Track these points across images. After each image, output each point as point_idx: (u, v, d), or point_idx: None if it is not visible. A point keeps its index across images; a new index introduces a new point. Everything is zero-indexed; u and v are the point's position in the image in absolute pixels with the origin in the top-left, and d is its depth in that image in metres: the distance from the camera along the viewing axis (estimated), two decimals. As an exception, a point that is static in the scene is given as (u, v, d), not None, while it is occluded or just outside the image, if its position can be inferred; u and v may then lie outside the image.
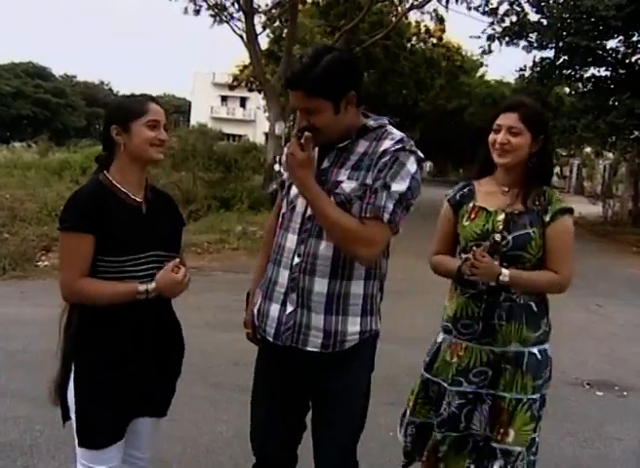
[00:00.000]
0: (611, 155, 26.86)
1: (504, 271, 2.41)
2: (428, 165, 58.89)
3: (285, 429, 2.40)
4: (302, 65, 2.07)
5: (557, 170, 39.79)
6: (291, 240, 2.22)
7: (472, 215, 2.59)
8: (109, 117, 2.28)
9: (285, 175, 2.34)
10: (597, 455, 3.96)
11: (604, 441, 4.15)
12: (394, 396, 4.61)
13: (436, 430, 2.63)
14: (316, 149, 2.16)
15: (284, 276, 2.22)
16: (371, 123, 2.22)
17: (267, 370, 2.39)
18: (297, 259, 2.19)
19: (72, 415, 2.24)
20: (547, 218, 2.48)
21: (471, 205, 2.62)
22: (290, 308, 2.20)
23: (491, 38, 18.87)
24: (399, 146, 2.12)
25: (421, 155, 2.18)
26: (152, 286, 2.18)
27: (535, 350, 2.52)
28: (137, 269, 2.21)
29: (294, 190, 2.24)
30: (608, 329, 7.24)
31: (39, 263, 8.94)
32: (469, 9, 19.90)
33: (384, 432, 4.02)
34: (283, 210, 2.32)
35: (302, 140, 2.09)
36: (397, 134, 2.19)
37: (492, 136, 2.54)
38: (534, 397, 2.50)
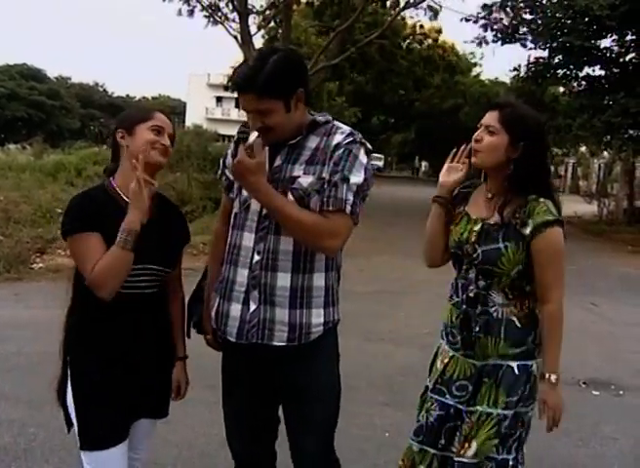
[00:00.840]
0: (606, 154, 26.92)
1: (549, 380, 2.32)
2: (424, 165, 58.94)
3: (259, 426, 2.42)
4: (250, 68, 2.09)
5: (552, 169, 39.76)
6: (248, 238, 2.23)
7: (457, 220, 2.50)
8: (116, 123, 2.31)
9: (232, 177, 2.29)
10: (593, 455, 3.96)
11: (600, 440, 4.15)
12: (389, 396, 4.62)
13: (413, 437, 2.51)
14: (266, 148, 2.16)
15: (243, 275, 2.23)
16: (319, 118, 2.25)
17: (233, 372, 2.39)
18: (257, 257, 2.20)
19: (73, 418, 2.23)
20: (527, 232, 2.31)
21: (461, 208, 2.53)
22: (253, 306, 2.21)
23: (484, 27, 18.86)
24: (350, 139, 2.17)
25: (370, 146, 2.24)
26: (120, 230, 2.11)
27: (514, 364, 2.37)
28: (131, 280, 2.17)
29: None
30: (604, 328, 7.25)
31: (34, 265, 8.91)
32: (461, 20, 19.70)
33: (380, 432, 4.02)
34: (235, 210, 2.31)
35: (247, 146, 2.08)
36: (345, 128, 2.24)
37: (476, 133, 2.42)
38: (505, 413, 2.34)
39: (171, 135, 2.30)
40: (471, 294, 2.40)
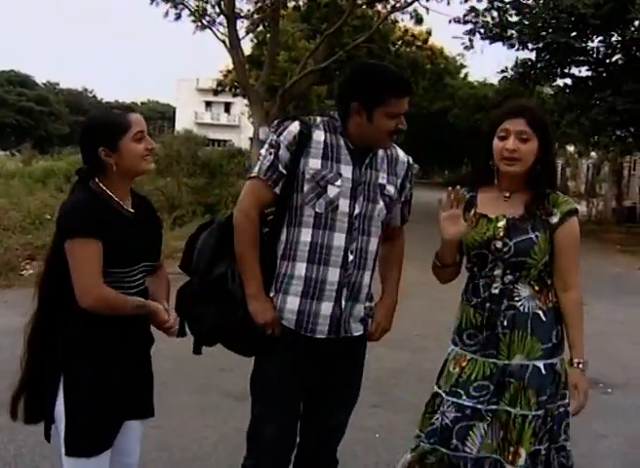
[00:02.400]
0: (594, 154, 27.11)
1: (577, 366, 2.43)
2: (416, 167, 59.18)
3: (296, 425, 2.51)
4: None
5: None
6: (339, 238, 2.34)
7: (473, 223, 2.49)
8: (93, 140, 2.19)
9: (306, 174, 2.30)
10: (583, 453, 3.96)
11: (589, 438, 4.18)
12: (380, 398, 4.63)
13: (424, 440, 2.50)
14: (346, 151, 2.38)
15: (335, 274, 2.35)
16: None
17: (295, 370, 2.39)
18: (351, 257, 2.36)
19: (60, 426, 2.21)
20: (555, 220, 2.40)
21: (472, 212, 2.52)
22: (344, 303, 2.38)
23: (471, 32, 18.95)
24: (409, 158, 2.56)
25: None
26: (139, 303, 2.22)
27: (540, 364, 2.40)
28: (130, 280, 2.22)
29: (333, 190, 2.31)
30: (593, 327, 7.23)
31: (23, 272, 8.88)
32: (450, 22, 19.82)
33: (370, 434, 4.03)
34: (317, 209, 2.31)
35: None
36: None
37: (498, 143, 2.40)
38: (538, 413, 2.38)
39: (146, 130, 2.26)
40: (495, 291, 2.43)
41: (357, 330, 2.45)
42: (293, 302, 2.35)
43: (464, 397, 2.44)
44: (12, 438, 3.78)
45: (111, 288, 2.16)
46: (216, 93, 31.17)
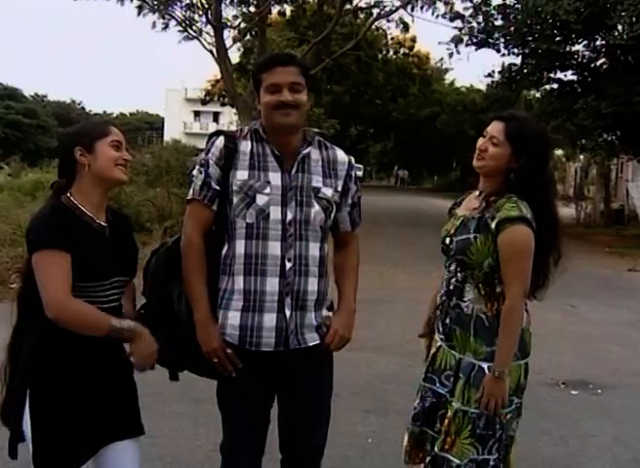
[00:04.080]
0: (582, 157, 27.26)
1: (492, 372, 2.41)
2: (404, 173, 59.14)
3: (264, 437, 2.48)
4: (288, 54, 2.43)
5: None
6: (274, 247, 2.28)
7: (446, 221, 2.69)
8: (71, 140, 2.25)
9: (234, 187, 2.31)
10: (573, 453, 4.02)
11: (579, 438, 4.22)
12: (372, 403, 4.66)
13: (411, 422, 2.65)
14: (272, 158, 2.33)
15: (274, 284, 2.28)
16: (310, 131, 2.45)
17: (250, 386, 2.37)
18: (288, 264, 2.28)
19: (29, 443, 2.16)
20: (493, 225, 2.42)
21: (454, 212, 2.71)
22: (288, 312, 2.30)
23: (457, 39, 19.07)
24: (351, 158, 2.49)
25: None
26: (128, 326, 2.17)
27: (484, 365, 2.45)
28: (101, 294, 2.20)
29: (261, 198, 2.28)
30: (583, 329, 7.35)
31: (13, 285, 8.84)
32: (436, 17, 20.10)
33: (363, 439, 4.06)
34: (247, 220, 2.29)
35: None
36: (332, 144, 2.50)
37: (478, 141, 2.57)
38: (478, 412, 2.44)
39: (128, 147, 2.31)
40: (451, 287, 2.55)
41: (312, 339, 2.36)
42: (234, 318, 2.31)
43: (438, 384, 2.57)
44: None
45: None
46: (204, 102, 31.20)
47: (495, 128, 2.50)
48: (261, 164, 2.32)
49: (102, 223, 2.26)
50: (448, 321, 2.54)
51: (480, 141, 2.54)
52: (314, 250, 2.33)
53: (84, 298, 2.15)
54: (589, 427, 4.40)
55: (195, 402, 4.47)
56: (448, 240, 2.57)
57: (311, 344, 2.35)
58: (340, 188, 2.42)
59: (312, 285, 2.33)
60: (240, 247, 2.30)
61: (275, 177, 2.31)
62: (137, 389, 2.42)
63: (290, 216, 2.29)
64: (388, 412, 4.49)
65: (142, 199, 13.86)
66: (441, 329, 2.59)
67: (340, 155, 2.45)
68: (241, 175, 2.31)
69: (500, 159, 2.47)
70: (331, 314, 2.45)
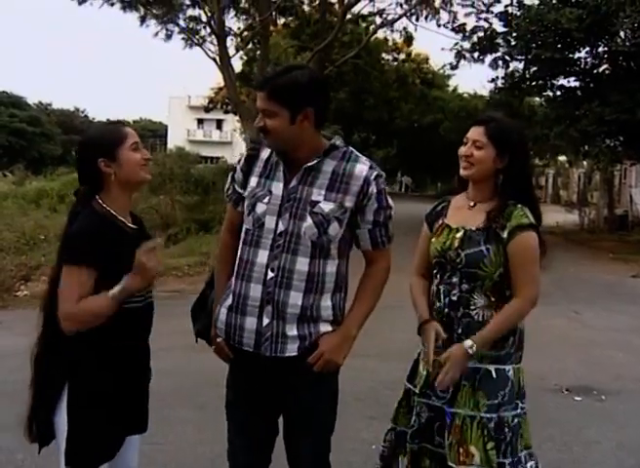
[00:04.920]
0: (585, 163, 27.27)
1: (466, 344, 2.40)
2: (408, 179, 59.17)
3: (261, 438, 2.49)
4: (273, 72, 2.27)
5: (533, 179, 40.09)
6: (262, 255, 2.31)
7: (438, 232, 2.64)
8: (93, 152, 2.27)
9: (243, 192, 2.42)
10: (577, 459, 4.02)
11: (583, 444, 4.22)
12: (376, 410, 4.65)
13: (409, 441, 2.61)
14: (281, 168, 2.33)
15: (257, 290, 2.31)
16: (338, 143, 2.35)
17: (241, 383, 2.46)
18: (270, 274, 2.29)
19: (61, 438, 2.25)
20: (505, 235, 2.45)
21: (440, 222, 2.66)
22: (266, 320, 2.30)
23: (459, 55, 19.16)
24: (376, 173, 2.32)
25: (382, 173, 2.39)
26: (119, 287, 2.19)
27: (491, 368, 2.47)
28: (141, 293, 2.29)
29: (260, 207, 2.33)
30: (586, 335, 7.34)
31: (18, 293, 8.90)
32: (439, 26, 20.20)
33: (367, 446, 4.05)
34: (247, 226, 2.38)
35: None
36: (363, 157, 2.37)
37: (460, 149, 2.57)
38: (487, 416, 2.43)
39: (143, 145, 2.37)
40: (454, 298, 2.52)
41: (291, 350, 2.30)
42: (223, 314, 2.41)
43: (434, 398, 2.56)
44: (10, 459, 3.80)
45: (127, 303, 2.23)
46: (207, 110, 31.28)
47: (475, 132, 2.53)
48: (271, 173, 2.37)
49: (132, 226, 2.35)
50: (459, 331, 2.49)
51: (462, 149, 2.55)
52: (302, 264, 2.28)
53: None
54: (593, 433, 4.40)
55: (199, 408, 4.49)
56: (453, 254, 2.52)
57: (287, 355, 2.30)
58: (348, 204, 2.29)
59: (294, 298, 2.28)
60: (239, 250, 2.40)
61: (277, 187, 2.33)
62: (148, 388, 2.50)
63: (281, 228, 2.29)
64: (392, 419, 4.48)
65: (146, 206, 13.90)
66: (440, 341, 2.51)
67: (358, 169, 2.30)
68: (253, 181, 2.39)
69: (487, 161, 2.50)
70: (321, 331, 2.34)
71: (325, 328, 2.34)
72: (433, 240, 2.64)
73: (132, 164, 2.26)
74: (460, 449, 2.44)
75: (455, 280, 2.54)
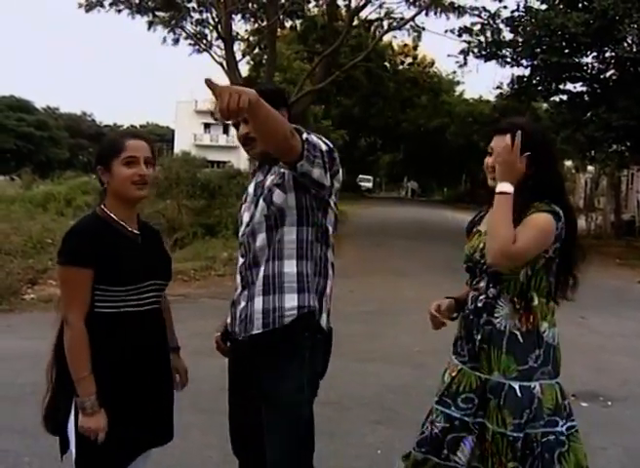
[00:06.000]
0: (592, 168, 27.21)
1: (504, 186, 2.33)
2: (410, 185, 59.23)
3: (256, 425, 2.45)
4: (244, 82, 2.38)
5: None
6: (239, 248, 2.54)
7: (470, 238, 2.61)
8: (96, 157, 2.38)
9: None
10: (583, 465, 4.00)
11: (589, 450, 4.11)
12: (381, 414, 4.66)
13: (415, 448, 2.55)
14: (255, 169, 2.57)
15: (238, 279, 2.53)
16: None
17: (235, 369, 2.61)
18: (241, 260, 2.51)
19: (72, 446, 2.25)
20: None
21: (474, 230, 2.63)
22: (242, 303, 2.47)
23: (465, 51, 19.14)
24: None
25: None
26: (90, 399, 2.18)
27: (515, 385, 2.38)
28: (138, 297, 2.29)
29: (242, 208, 2.59)
30: (593, 340, 7.32)
31: (25, 296, 8.91)
32: (446, 31, 20.19)
33: (372, 451, 4.05)
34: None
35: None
36: None
37: (485, 160, 2.51)
38: (514, 435, 2.34)
39: (148, 157, 2.33)
40: (480, 304, 2.47)
41: (257, 327, 2.38)
42: (229, 309, 2.60)
43: (453, 408, 2.49)
44: (17, 462, 3.80)
45: (116, 304, 2.24)
46: (215, 118, 31.35)
47: (500, 141, 2.45)
48: (255, 176, 2.61)
49: (135, 231, 2.37)
50: (479, 338, 2.44)
51: (488, 160, 2.50)
52: (260, 240, 2.42)
53: (120, 302, 2.25)
54: (599, 439, 4.37)
55: (204, 412, 4.49)
56: (478, 255, 2.47)
57: (254, 333, 2.39)
58: (283, 168, 2.37)
59: (259, 272, 2.41)
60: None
61: (251, 186, 2.58)
62: (174, 397, 2.53)
63: (247, 218, 2.51)
64: (397, 423, 4.48)
65: (152, 211, 13.93)
66: (465, 350, 2.51)
67: None
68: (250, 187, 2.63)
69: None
70: (295, 305, 2.36)
71: (290, 301, 2.35)
72: (465, 246, 2.60)
73: (121, 178, 2.28)
74: (494, 459, 2.38)
75: (482, 284, 2.49)
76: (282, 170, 2.37)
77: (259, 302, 2.38)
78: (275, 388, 2.36)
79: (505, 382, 2.39)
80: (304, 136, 2.23)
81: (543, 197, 2.40)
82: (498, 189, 2.35)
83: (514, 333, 2.40)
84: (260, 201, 2.43)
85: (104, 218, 2.31)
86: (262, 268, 2.40)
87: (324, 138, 2.37)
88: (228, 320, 2.60)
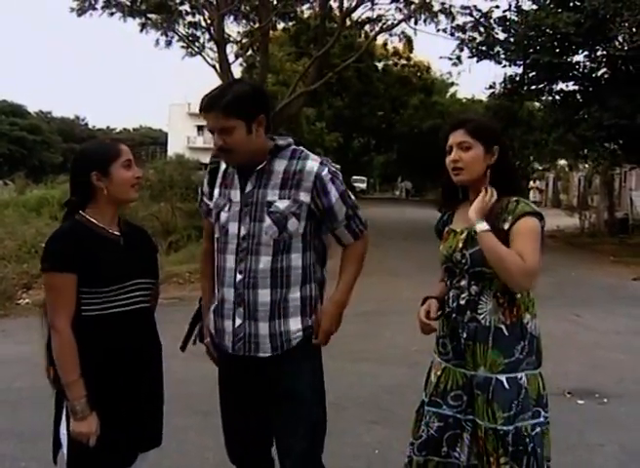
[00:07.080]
0: (585, 166, 27.32)
1: (483, 225, 2.34)
2: (407, 184, 59.27)
3: (252, 432, 2.54)
4: (217, 90, 2.35)
5: (537, 184, 40.23)
6: (230, 260, 2.44)
7: (444, 239, 2.61)
8: (87, 164, 2.33)
9: (211, 204, 2.53)
10: (580, 462, 4.02)
11: (586, 447, 4.22)
12: (377, 414, 4.67)
13: (416, 453, 2.55)
14: (236, 176, 2.45)
15: (230, 293, 2.44)
16: (281, 142, 2.45)
17: (228, 381, 2.58)
18: (239, 276, 2.41)
19: (64, 448, 2.27)
20: (507, 226, 2.37)
21: (446, 229, 2.64)
22: (239, 321, 2.43)
23: (460, 47, 19.19)
24: (328, 169, 2.42)
25: (337, 167, 2.52)
26: (81, 402, 2.20)
27: (502, 378, 2.39)
28: (122, 297, 2.29)
29: (223, 215, 2.46)
30: (588, 338, 7.34)
31: (20, 301, 8.90)
32: (438, 31, 20.27)
33: (369, 450, 4.06)
34: (216, 234, 2.51)
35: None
36: (313, 155, 2.47)
37: (447, 159, 2.52)
38: (505, 428, 2.36)
39: (136, 162, 2.41)
40: (462, 302, 2.47)
41: (263, 350, 2.42)
42: (211, 319, 2.56)
43: (444, 406, 2.51)
44: (13, 466, 3.80)
45: (101, 306, 2.25)
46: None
47: (457, 135, 2.48)
48: (229, 182, 2.49)
49: (116, 233, 2.37)
50: (464, 336, 2.45)
51: (449, 157, 2.51)
52: (265, 263, 2.38)
53: (105, 303, 2.26)
54: (596, 436, 4.39)
55: (200, 414, 4.49)
56: (458, 255, 2.47)
57: (260, 355, 2.42)
58: (303, 199, 2.39)
59: (263, 296, 2.40)
60: (215, 258, 2.53)
61: (236, 195, 2.45)
62: (163, 401, 2.54)
63: (243, 232, 2.40)
64: (394, 423, 4.48)
65: (146, 214, 13.92)
66: (449, 347, 2.52)
67: (309, 166, 2.40)
68: (216, 193, 2.53)
69: (479, 160, 2.45)
70: (290, 326, 2.43)
71: (295, 324, 2.43)
72: (440, 247, 2.61)
73: (123, 181, 2.31)
74: (491, 458, 2.38)
75: (463, 283, 2.49)
76: (300, 198, 2.37)
77: (264, 328, 2.41)
78: (296, 383, 2.45)
79: (492, 376, 2.40)
80: (366, 227, 2.61)
81: (503, 185, 2.45)
82: (478, 230, 2.37)
83: (499, 328, 2.42)
84: (268, 220, 2.36)
85: (84, 223, 2.32)
86: (268, 293, 2.40)
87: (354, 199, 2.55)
88: (212, 329, 2.55)
